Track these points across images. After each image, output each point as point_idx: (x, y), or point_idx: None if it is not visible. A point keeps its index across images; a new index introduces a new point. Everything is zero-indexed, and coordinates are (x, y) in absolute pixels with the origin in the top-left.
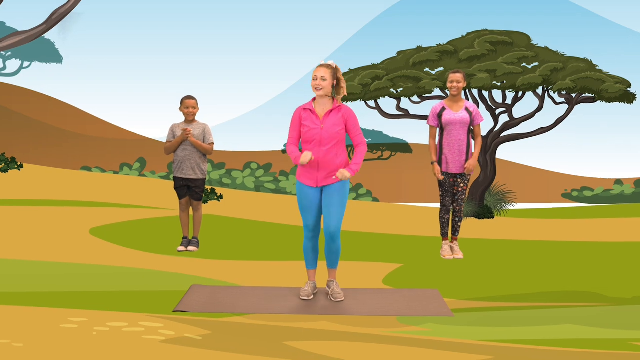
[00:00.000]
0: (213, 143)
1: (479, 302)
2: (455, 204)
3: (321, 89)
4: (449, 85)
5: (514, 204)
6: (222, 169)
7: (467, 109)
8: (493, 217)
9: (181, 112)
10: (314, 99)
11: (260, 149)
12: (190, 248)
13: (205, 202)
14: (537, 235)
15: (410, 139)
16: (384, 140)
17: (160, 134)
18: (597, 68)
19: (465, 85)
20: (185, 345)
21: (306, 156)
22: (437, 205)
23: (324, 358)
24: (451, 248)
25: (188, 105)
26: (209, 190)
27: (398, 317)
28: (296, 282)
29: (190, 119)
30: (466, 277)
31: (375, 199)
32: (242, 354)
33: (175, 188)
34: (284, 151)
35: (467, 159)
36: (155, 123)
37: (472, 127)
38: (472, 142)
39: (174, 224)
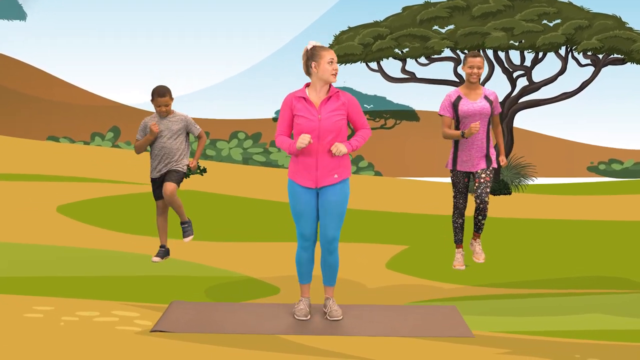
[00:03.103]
0: (201, 130)
1: (493, 289)
2: (478, 200)
3: (337, 74)
4: (467, 71)
5: (533, 178)
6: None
7: (486, 97)
8: (510, 193)
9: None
10: (307, 85)
11: (249, 117)
12: (186, 239)
13: (187, 176)
14: (558, 214)
15: (416, 106)
16: (388, 107)
17: (136, 100)
18: (627, 26)
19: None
20: (163, 337)
21: (304, 138)
22: (446, 180)
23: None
24: (472, 246)
25: (160, 103)
26: None
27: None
28: (288, 268)
29: (164, 116)
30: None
31: (377, 173)
32: (224, 346)
33: (154, 190)
34: (275, 119)
35: (487, 155)
36: (131, 87)
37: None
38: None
39: (151, 201)
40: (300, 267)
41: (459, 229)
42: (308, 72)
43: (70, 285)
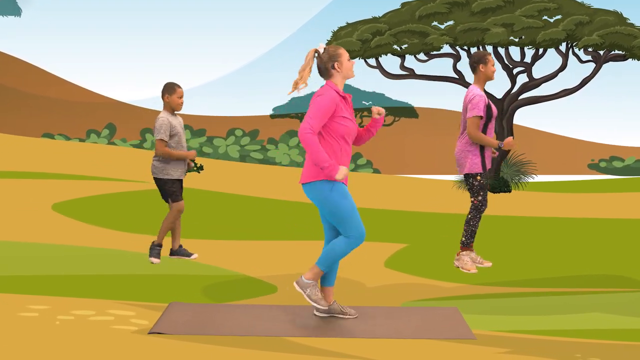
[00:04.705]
0: None
1: (493, 288)
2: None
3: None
4: (492, 69)
5: (533, 176)
6: (203, 136)
7: None
8: (510, 191)
9: (166, 102)
10: (334, 81)
11: (246, 114)
12: (193, 256)
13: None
14: (559, 212)
15: (415, 102)
16: (386, 104)
17: (132, 97)
18: (629, 22)
19: None
20: (160, 337)
21: (343, 172)
22: (446, 177)
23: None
24: (472, 257)
25: (181, 94)
26: None
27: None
28: (285, 267)
29: (180, 109)
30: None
31: (376, 170)
32: (222, 346)
33: (174, 191)
34: (272, 116)
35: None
36: (126, 84)
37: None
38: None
39: (147, 199)
40: (338, 260)
41: (475, 233)
42: (327, 74)
43: (66, 284)
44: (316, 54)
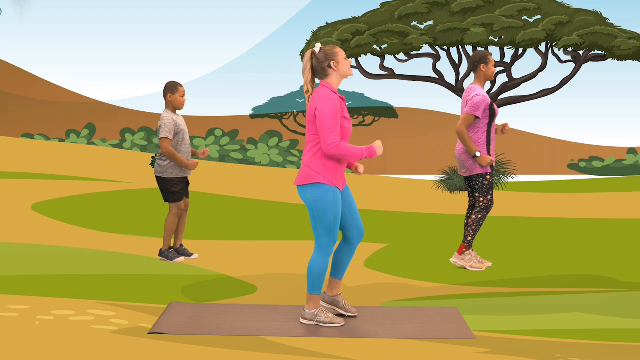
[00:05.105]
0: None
1: (472, 288)
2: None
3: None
4: (492, 70)
5: (513, 176)
6: None
7: None
8: None
9: (169, 101)
10: (330, 81)
11: (225, 114)
12: (193, 256)
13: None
14: (538, 212)
15: (395, 102)
16: (366, 104)
17: (112, 97)
18: (608, 22)
19: None
20: (139, 337)
21: (379, 145)
22: (426, 177)
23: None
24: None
25: (183, 92)
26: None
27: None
28: (265, 267)
29: (182, 108)
30: None
31: None
32: (203, 346)
33: (175, 191)
34: (252, 116)
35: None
36: (106, 84)
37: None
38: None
39: (127, 199)
40: (324, 275)
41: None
42: (324, 73)
43: (46, 284)
44: (312, 55)
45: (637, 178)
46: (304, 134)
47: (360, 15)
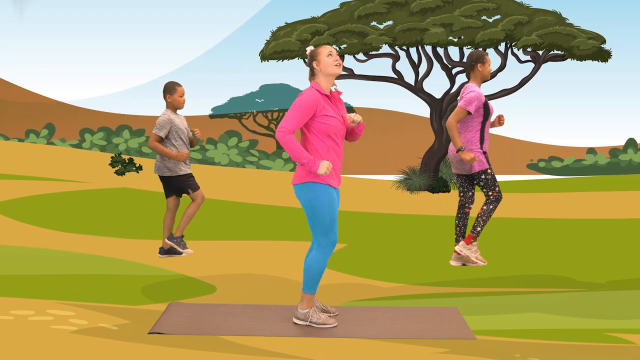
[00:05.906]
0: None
1: (430, 288)
2: (468, 203)
3: (340, 65)
4: (488, 69)
5: None
6: (142, 136)
7: None
8: (449, 191)
9: (169, 101)
10: (317, 81)
11: (185, 114)
12: (186, 251)
13: (122, 173)
14: (497, 212)
15: (355, 102)
16: None
17: (71, 97)
18: (567, 22)
19: None
20: (99, 336)
21: (329, 167)
22: (384, 177)
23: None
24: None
25: (182, 92)
26: (127, 161)
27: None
28: (224, 267)
29: (182, 107)
30: (417, 260)
31: None
32: (163, 346)
33: (190, 183)
34: (211, 116)
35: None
36: (65, 84)
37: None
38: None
39: (86, 199)
40: (321, 275)
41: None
42: (312, 74)
43: (5, 284)
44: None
45: (596, 178)
46: (263, 134)
47: (319, 15)
